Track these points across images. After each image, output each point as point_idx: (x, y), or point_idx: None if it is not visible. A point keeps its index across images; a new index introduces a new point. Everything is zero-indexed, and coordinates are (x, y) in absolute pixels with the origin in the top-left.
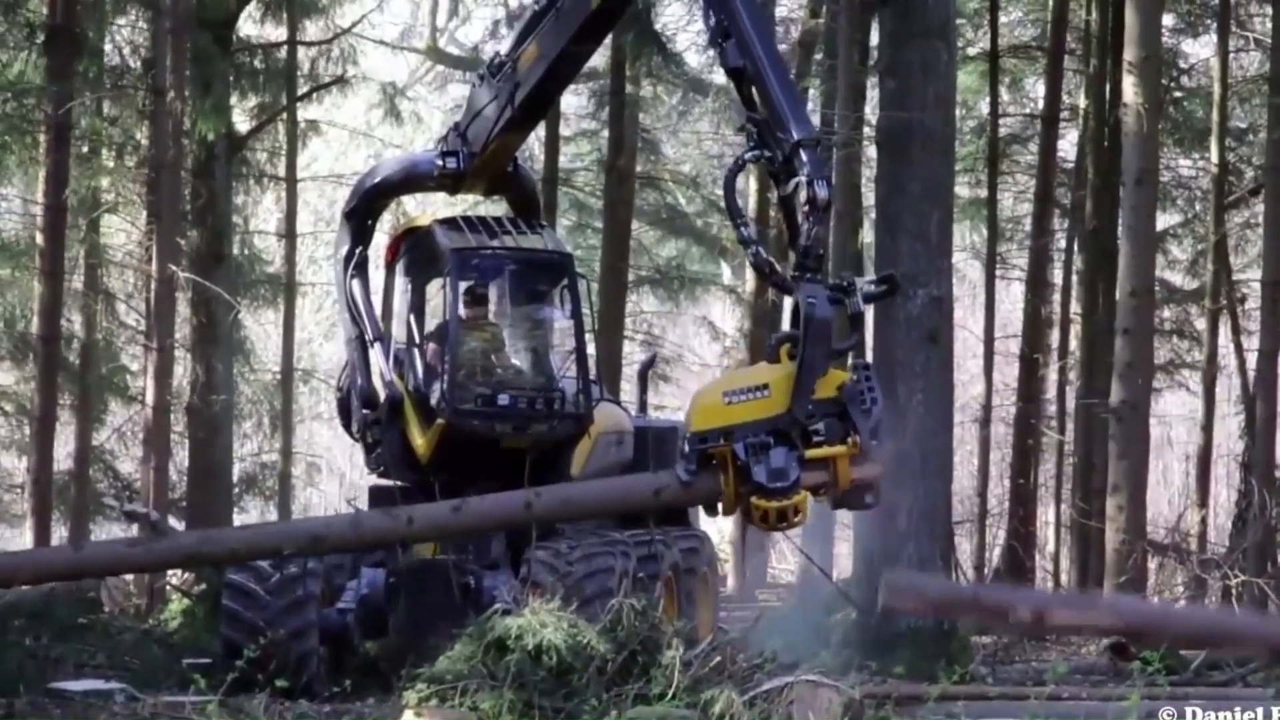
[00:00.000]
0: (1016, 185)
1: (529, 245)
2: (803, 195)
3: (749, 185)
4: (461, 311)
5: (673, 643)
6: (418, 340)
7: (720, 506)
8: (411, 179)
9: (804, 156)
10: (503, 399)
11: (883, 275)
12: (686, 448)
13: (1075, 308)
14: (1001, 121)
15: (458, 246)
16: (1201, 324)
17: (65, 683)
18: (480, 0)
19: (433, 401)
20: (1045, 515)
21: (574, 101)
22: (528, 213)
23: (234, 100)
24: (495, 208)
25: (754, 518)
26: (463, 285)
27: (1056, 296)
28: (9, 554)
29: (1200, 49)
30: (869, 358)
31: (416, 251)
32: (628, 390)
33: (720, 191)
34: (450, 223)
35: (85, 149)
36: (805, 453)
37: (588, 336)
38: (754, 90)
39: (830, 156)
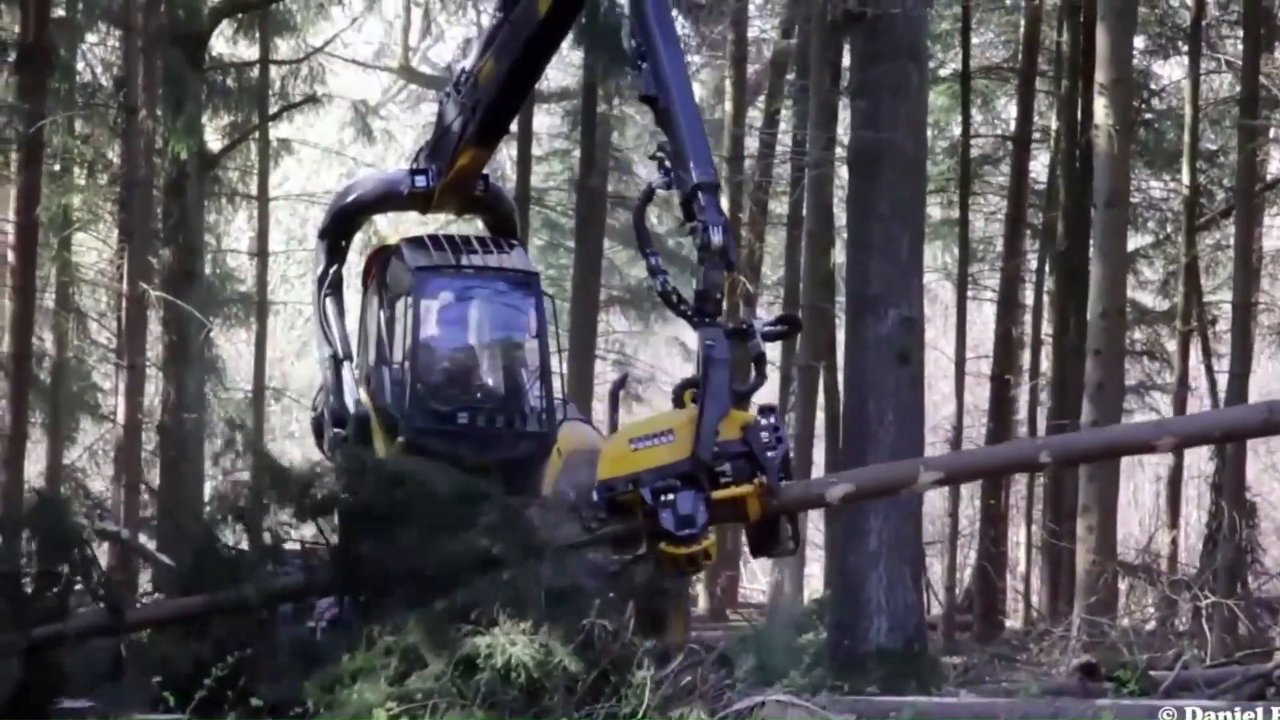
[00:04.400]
0: (988, 206)
1: (495, 264)
2: (698, 240)
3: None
4: (426, 330)
5: (644, 662)
6: (387, 359)
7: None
8: (384, 198)
9: (702, 201)
10: (463, 418)
11: (782, 316)
12: (595, 497)
13: (1046, 328)
14: (973, 142)
15: (421, 265)
16: (1172, 345)
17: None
18: (453, 19)
19: (395, 420)
20: (1016, 536)
21: (546, 121)
22: (505, 232)
23: (206, 118)
24: (470, 227)
25: (665, 564)
26: (426, 304)
27: (1028, 317)
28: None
29: (1171, 71)
30: (839, 378)
31: (386, 270)
32: (599, 410)
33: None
34: (417, 241)
35: (57, 167)
36: (713, 494)
37: (554, 356)
38: (664, 124)
39: (801, 178)
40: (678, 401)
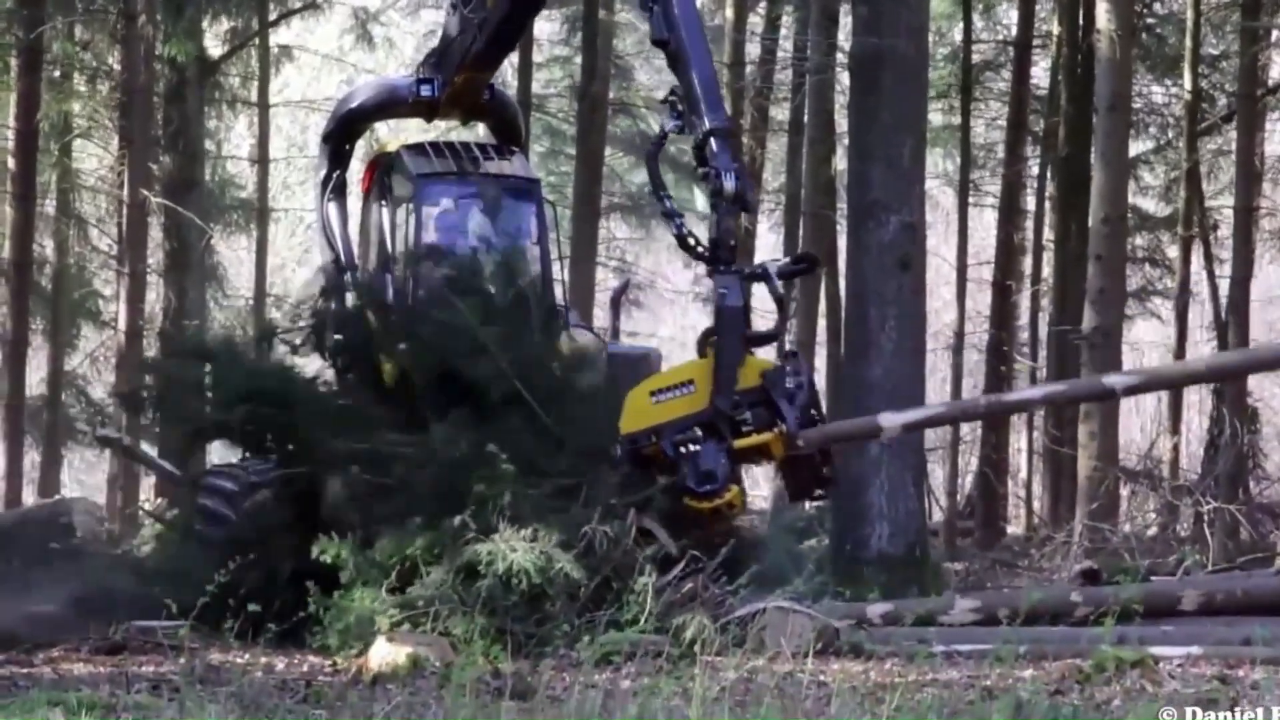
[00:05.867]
0: (989, 112)
1: (496, 171)
2: (711, 186)
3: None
4: (427, 237)
5: (646, 569)
6: (389, 265)
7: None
8: (388, 104)
9: (714, 146)
10: None
11: (800, 254)
12: (619, 451)
13: (1048, 234)
14: (974, 48)
15: (423, 172)
16: (1174, 251)
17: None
18: None
19: (397, 327)
20: (1018, 442)
21: (547, 27)
22: (509, 138)
23: (206, 24)
24: (472, 134)
25: (691, 516)
26: (427, 210)
27: (1029, 223)
28: None
29: None
30: (840, 285)
31: (387, 177)
32: (600, 317)
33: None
34: (417, 148)
35: (57, 73)
36: (734, 444)
37: (555, 262)
38: (675, 68)
39: (802, 85)
40: (702, 351)
